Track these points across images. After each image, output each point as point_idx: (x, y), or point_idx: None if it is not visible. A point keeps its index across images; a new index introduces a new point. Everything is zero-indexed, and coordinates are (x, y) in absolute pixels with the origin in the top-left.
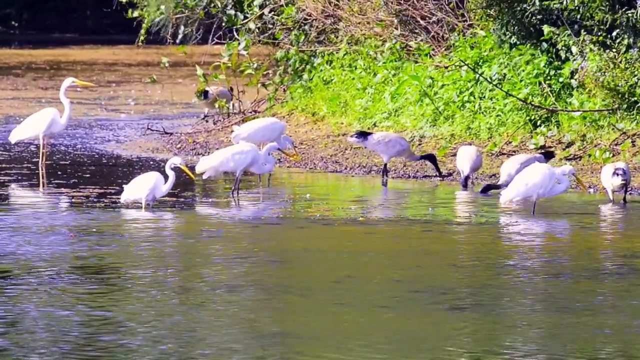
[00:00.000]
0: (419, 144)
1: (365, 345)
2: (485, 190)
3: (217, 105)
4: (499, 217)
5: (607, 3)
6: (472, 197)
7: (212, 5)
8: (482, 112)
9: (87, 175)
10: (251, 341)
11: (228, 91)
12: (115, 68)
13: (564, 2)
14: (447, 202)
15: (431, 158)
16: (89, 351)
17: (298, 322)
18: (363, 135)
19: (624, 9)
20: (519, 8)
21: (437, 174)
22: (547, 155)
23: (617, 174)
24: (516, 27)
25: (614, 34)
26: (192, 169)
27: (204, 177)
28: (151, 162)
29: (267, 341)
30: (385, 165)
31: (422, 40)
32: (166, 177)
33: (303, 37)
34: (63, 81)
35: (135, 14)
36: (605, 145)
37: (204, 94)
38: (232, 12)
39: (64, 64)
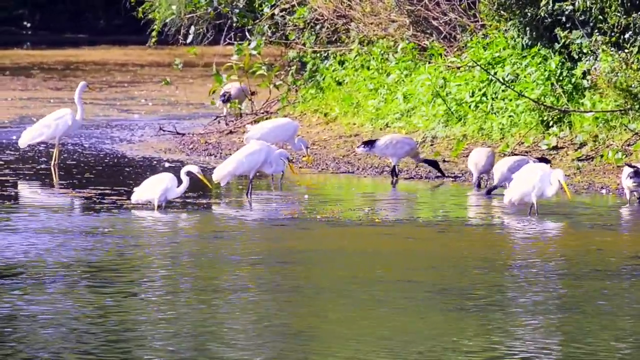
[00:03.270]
0: (431, 145)
1: (374, 344)
2: (490, 191)
3: (228, 106)
4: (509, 218)
5: (620, 7)
6: (483, 198)
7: (223, 5)
8: (495, 113)
9: (99, 176)
10: (264, 340)
11: (242, 89)
12: (126, 68)
13: (576, 4)
14: (459, 203)
15: (433, 164)
16: (102, 349)
17: (309, 321)
18: (369, 144)
19: (638, 13)
20: (530, 11)
21: (441, 175)
22: (542, 162)
23: (629, 177)
24: (528, 28)
25: (627, 36)
26: (204, 171)
27: (222, 184)
28: (155, 162)
29: (279, 340)
30: (395, 166)
31: (434, 41)
32: (179, 179)
33: (314, 37)
34: (74, 82)
35: (150, 16)
36: (617, 146)
37: (227, 95)
38: (243, 12)
39: (75, 65)
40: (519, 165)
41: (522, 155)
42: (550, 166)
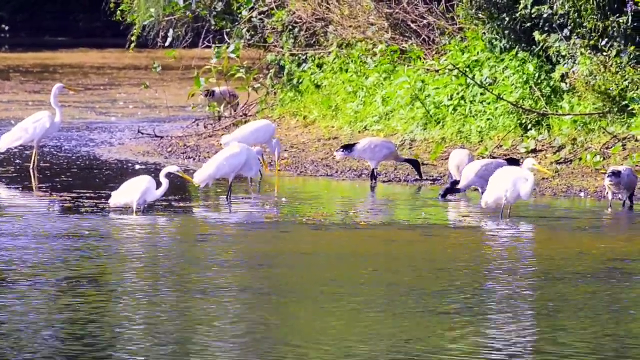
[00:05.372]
0: (410, 148)
1: (355, 347)
2: (445, 194)
3: (208, 108)
4: (490, 221)
5: (598, 10)
6: (463, 200)
7: (202, 8)
8: (473, 116)
9: (78, 179)
10: (243, 343)
11: (225, 92)
12: (103, 71)
13: (554, 7)
14: (439, 206)
15: (415, 163)
16: (80, 353)
17: (289, 324)
18: (348, 147)
19: (615, 16)
20: (508, 14)
21: (419, 177)
22: (511, 162)
23: (608, 176)
24: (506, 32)
25: (604, 41)
26: (184, 172)
27: (202, 186)
28: (133, 165)
29: (259, 343)
30: (374, 170)
31: (412, 44)
32: (158, 182)
33: (292, 40)
34: (51, 84)
35: (129, 19)
36: (595, 149)
37: (211, 93)
38: (221, 15)
39: (52, 67)
40: (486, 169)
41: (490, 158)
42: (520, 165)
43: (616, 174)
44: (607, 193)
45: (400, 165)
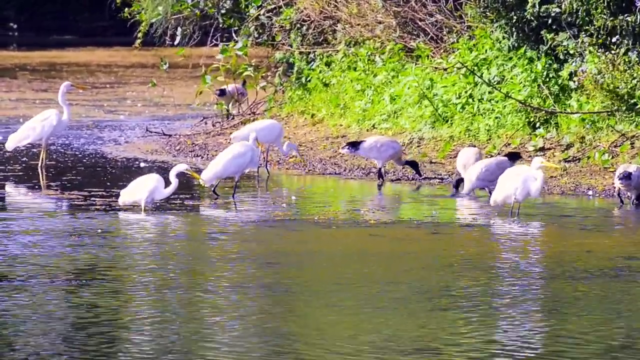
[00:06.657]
0: (418, 146)
1: (363, 344)
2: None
3: (216, 107)
4: (499, 220)
5: (606, 9)
6: (471, 199)
7: (210, 6)
8: (481, 114)
9: (86, 177)
10: (252, 342)
11: (236, 89)
12: (110, 70)
13: (563, 6)
14: (447, 204)
15: (413, 164)
16: (89, 351)
17: (298, 322)
18: (354, 145)
19: (624, 15)
20: (517, 13)
21: (418, 175)
22: (513, 156)
23: (619, 178)
24: (514, 30)
25: (614, 39)
26: (194, 170)
27: (208, 185)
28: (141, 164)
29: (267, 342)
30: (380, 169)
31: (420, 42)
32: (167, 180)
33: (300, 39)
34: (58, 83)
35: (137, 17)
36: (604, 147)
37: (221, 91)
38: (229, 13)
39: (59, 66)
40: (487, 170)
41: (489, 158)
42: (521, 159)
43: (627, 177)
44: (616, 192)
45: (397, 167)
